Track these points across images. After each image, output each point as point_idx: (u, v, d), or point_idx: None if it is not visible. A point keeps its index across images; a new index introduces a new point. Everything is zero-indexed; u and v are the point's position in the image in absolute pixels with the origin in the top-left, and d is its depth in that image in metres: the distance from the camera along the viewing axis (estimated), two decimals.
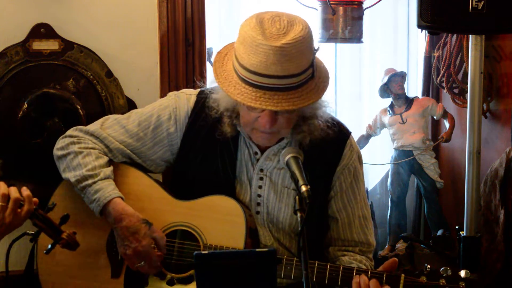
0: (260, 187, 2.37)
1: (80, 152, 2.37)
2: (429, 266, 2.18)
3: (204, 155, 2.37)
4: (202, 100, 2.38)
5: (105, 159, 2.39)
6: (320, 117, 2.27)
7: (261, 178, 2.36)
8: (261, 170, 2.36)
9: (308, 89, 2.14)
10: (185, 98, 2.41)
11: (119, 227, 2.27)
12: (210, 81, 2.39)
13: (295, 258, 2.24)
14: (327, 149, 2.34)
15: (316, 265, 2.22)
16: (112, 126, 2.44)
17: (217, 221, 2.30)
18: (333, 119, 2.34)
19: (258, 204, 2.38)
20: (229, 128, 2.30)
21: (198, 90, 2.44)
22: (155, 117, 2.40)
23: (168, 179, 2.65)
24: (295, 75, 2.09)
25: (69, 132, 2.47)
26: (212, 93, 2.32)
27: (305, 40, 2.10)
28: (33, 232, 2.37)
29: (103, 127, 2.44)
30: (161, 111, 2.41)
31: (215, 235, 2.30)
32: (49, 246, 2.20)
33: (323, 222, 2.44)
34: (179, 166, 2.43)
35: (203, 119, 2.36)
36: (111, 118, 2.48)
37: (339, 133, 2.37)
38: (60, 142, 2.44)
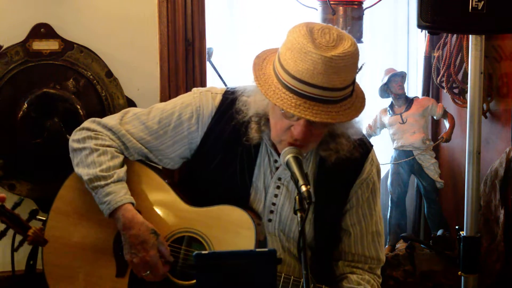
0: (276, 195, 2.34)
1: (96, 150, 2.33)
2: None
3: (223, 157, 2.33)
4: (228, 100, 2.33)
5: (120, 158, 2.35)
6: (348, 137, 2.25)
7: (278, 187, 2.33)
8: (279, 178, 2.33)
9: (346, 106, 2.11)
10: (210, 96, 2.36)
11: (128, 235, 2.25)
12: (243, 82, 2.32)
13: (302, 280, 2.20)
14: (348, 163, 2.30)
15: None
16: (131, 122, 2.39)
17: (227, 232, 2.28)
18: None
19: (271, 212, 2.35)
20: (257, 134, 2.26)
21: (224, 89, 2.40)
22: (176, 116, 2.35)
23: (175, 176, 2.64)
24: (338, 89, 2.06)
25: (87, 124, 2.42)
26: (242, 96, 2.27)
27: (354, 56, 2.07)
28: (43, 218, 2.38)
29: (122, 122, 2.39)
30: (183, 109, 2.35)
31: (224, 245, 2.28)
32: (18, 243, 2.19)
33: (336, 234, 2.42)
34: (195, 164, 2.40)
35: (227, 120, 2.31)
36: (131, 112, 2.42)
37: (363, 152, 2.33)
38: (77, 134, 2.40)
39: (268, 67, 2.16)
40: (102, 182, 2.28)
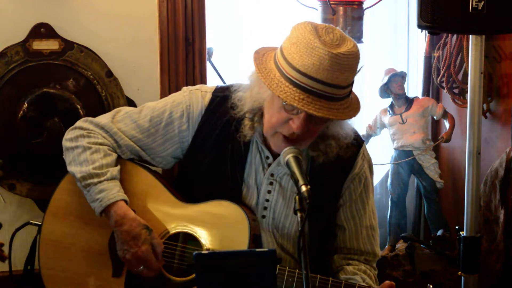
0: (269, 192, 2.34)
1: (89, 148, 2.34)
2: (431, 286, 2.16)
3: (213, 156, 2.34)
4: (218, 98, 2.34)
5: (113, 156, 2.36)
6: (338, 139, 2.26)
7: (271, 183, 2.34)
8: (272, 175, 2.34)
9: (345, 105, 2.14)
10: (200, 95, 2.37)
11: (120, 231, 2.26)
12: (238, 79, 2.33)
13: (297, 270, 2.22)
14: (339, 157, 2.32)
15: (318, 279, 2.21)
16: (123, 120, 2.40)
17: (221, 227, 2.29)
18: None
19: (265, 208, 2.35)
20: (250, 131, 2.27)
21: (214, 87, 2.41)
22: (167, 114, 2.36)
23: (170, 176, 2.64)
24: (340, 86, 2.09)
25: (79, 123, 2.43)
26: (238, 91, 2.28)
27: (357, 56, 2.11)
28: (39, 223, 2.37)
29: (114, 120, 2.40)
30: (174, 107, 2.37)
31: (218, 240, 2.28)
32: None
33: (330, 230, 2.42)
34: (187, 164, 2.41)
35: (217, 119, 2.33)
36: (123, 111, 2.44)
37: (355, 147, 2.34)
38: (70, 133, 2.41)
39: (268, 61, 2.17)
40: (95, 180, 2.29)
